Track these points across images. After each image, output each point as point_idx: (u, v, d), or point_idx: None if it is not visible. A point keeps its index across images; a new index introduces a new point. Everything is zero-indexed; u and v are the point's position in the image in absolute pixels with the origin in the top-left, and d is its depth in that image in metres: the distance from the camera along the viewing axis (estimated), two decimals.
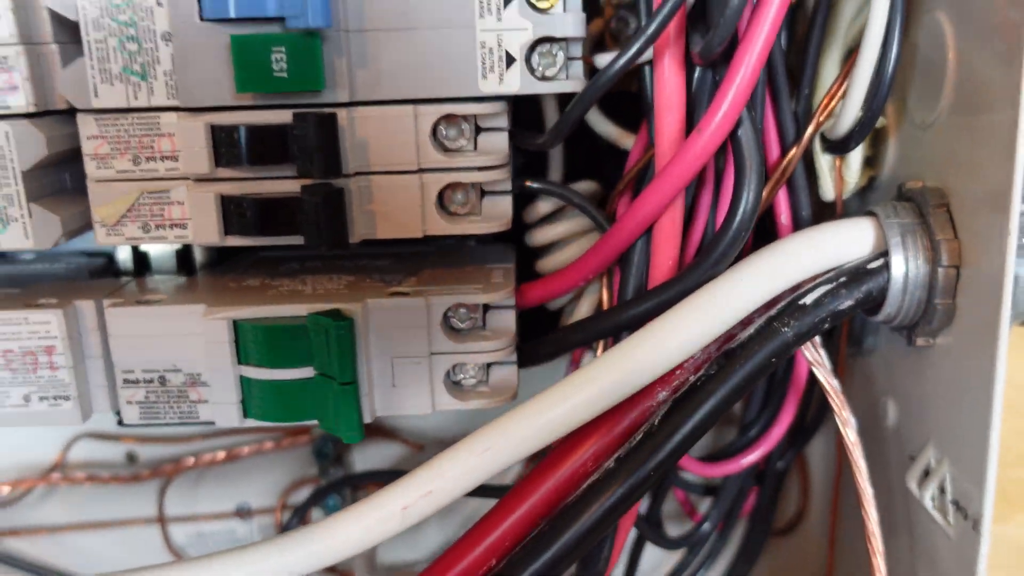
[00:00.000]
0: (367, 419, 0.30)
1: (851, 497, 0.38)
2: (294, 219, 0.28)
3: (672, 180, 0.27)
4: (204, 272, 0.36)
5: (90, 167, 0.29)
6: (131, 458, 0.45)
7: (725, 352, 0.29)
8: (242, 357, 0.30)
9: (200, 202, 0.29)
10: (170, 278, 0.35)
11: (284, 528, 0.42)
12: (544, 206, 0.34)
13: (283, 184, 0.29)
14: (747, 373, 0.28)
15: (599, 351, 0.34)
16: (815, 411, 0.37)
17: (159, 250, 0.37)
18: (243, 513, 0.46)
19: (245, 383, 0.30)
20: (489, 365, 0.32)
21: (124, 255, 0.37)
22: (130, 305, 0.30)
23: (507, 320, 0.32)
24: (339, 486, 0.42)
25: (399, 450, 0.45)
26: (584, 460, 0.29)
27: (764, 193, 0.31)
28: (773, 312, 0.28)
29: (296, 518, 0.42)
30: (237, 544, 0.46)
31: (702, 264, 0.29)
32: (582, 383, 0.28)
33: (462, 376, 0.32)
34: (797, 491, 0.42)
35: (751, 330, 0.28)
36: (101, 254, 0.39)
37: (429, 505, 0.28)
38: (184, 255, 0.37)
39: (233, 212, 0.29)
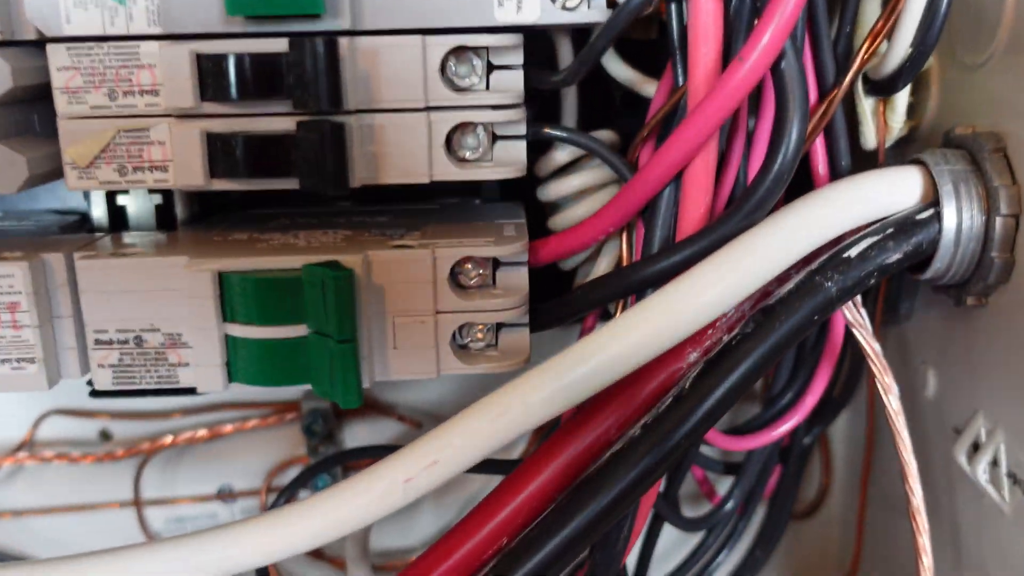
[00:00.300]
0: (366, 383, 0.28)
1: (881, 475, 0.36)
2: (289, 159, 0.26)
3: (707, 117, 0.25)
4: (186, 228, 0.33)
5: (60, 102, 0.26)
6: (105, 436, 0.42)
7: (762, 309, 0.26)
8: (228, 314, 0.27)
9: (183, 140, 0.26)
10: (148, 234, 0.32)
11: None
12: (560, 156, 0.32)
13: (277, 121, 0.26)
14: (787, 331, 0.26)
15: (618, 313, 0.31)
16: (843, 382, 0.35)
17: (137, 205, 0.34)
18: (225, 495, 0.43)
19: (231, 343, 0.27)
20: (499, 327, 0.30)
21: (99, 211, 0.34)
22: (103, 257, 0.27)
23: (519, 278, 0.29)
24: (330, 464, 0.39)
25: (395, 428, 0.42)
26: (606, 427, 0.26)
27: None
28: (814, 266, 0.26)
29: (282, 500, 0.39)
30: None
31: (737, 213, 0.26)
32: (605, 342, 0.25)
33: (470, 338, 0.29)
34: (818, 470, 0.39)
35: (790, 285, 0.26)
36: (74, 212, 0.36)
37: (435, 477, 0.25)
38: (165, 210, 0.34)
39: (220, 151, 0.26)
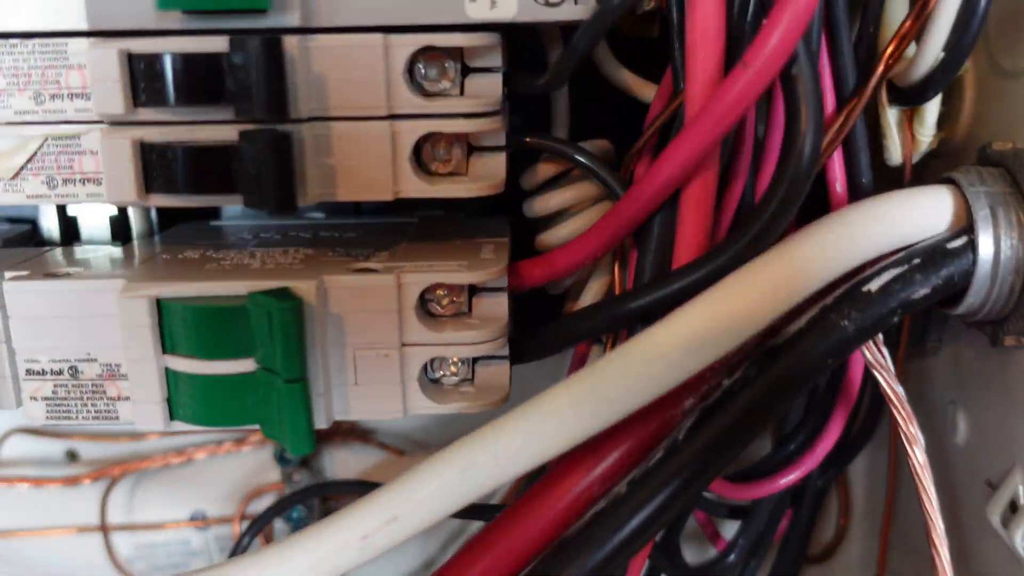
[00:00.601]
0: (321, 424, 0.25)
1: (903, 517, 0.32)
2: (231, 173, 0.23)
3: (705, 131, 0.21)
4: (142, 242, 0.31)
5: None
6: (71, 456, 0.40)
7: (768, 350, 0.23)
8: (167, 345, 0.24)
9: (115, 151, 0.23)
10: (101, 248, 0.29)
11: (238, 542, 0.36)
12: (546, 169, 0.29)
13: (219, 130, 0.23)
14: (795, 376, 0.22)
15: (608, 347, 0.28)
16: (862, 420, 0.32)
17: (91, 216, 0.31)
18: (198, 522, 0.40)
19: (171, 378, 0.24)
20: (475, 360, 0.27)
21: (49, 221, 0.31)
22: (35, 279, 0.25)
23: (497, 306, 0.26)
24: (306, 496, 0.36)
25: (376, 456, 0.39)
26: (589, 483, 0.23)
27: None
28: (829, 301, 0.23)
29: (253, 531, 0.36)
30: (191, 557, 0.41)
31: (741, 239, 0.23)
32: (588, 386, 0.22)
33: (442, 373, 0.26)
34: (836, 511, 0.36)
35: (801, 323, 0.23)
36: (26, 220, 0.33)
37: (394, 534, 0.23)
38: (121, 222, 0.31)
39: (156, 164, 0.23)
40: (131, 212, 0.31)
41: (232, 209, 0.34)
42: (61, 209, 0.31)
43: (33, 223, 0.32)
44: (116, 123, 0.23)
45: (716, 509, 0.32)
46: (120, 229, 0.31)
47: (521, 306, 0.30)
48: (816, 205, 0.25)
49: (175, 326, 0.24)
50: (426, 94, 0.24)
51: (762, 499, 0.31)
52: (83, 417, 0.25)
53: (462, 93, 0.24)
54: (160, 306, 0.24)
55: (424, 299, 0.26)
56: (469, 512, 0.26)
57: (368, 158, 0.24)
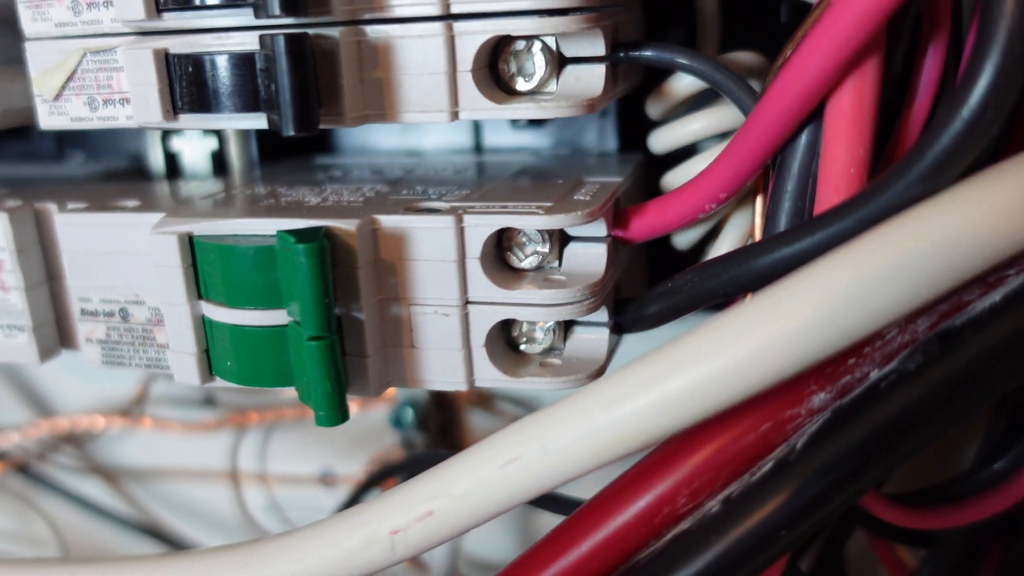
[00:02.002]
0: (371, 391, 0.21)
1: None
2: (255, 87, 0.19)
3: (856, 14, 0.15)
4: (244, 178, 0.28)
5: (25, 18, 0.21)
6: (208, 401, 0.39)
7: (941, 333, 0.16)
8: (203, 290, 0.21)
9: (138, 65, 0.20)
10: (204, 183, 0.27)
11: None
12: (678, 89, 0.23)
13: (248, 37, 0.19)
14: (979, 374, 0.16)
15: None
16: None
17: (192, 150, 0.29)
18: (328, 480, 0.38)
19: (208, 327, 0.21)
20: (568, 326, 0.22)
21: (156, 156, 0.30)
22: (86, 212, 0.23)
23: (595, 259, 0.21)
24: (425, 464, 0.33)
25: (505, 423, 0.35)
26: (672, 493, 0.17)
27: None
28: None
29: (367, 493, 0.33)
30: (320, 514, 0.39)
31: (905, 175, 0.16)
32: (677, 363, 0.16)
33: (525, 339, 0.22)
34: None
35: (996, 296, 0.16)
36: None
37: (429, 533, 0.18)
38: (220, 156, 0.29)
39: (182, 78, 0.20)
40: (232, 146, 0.29)
41: (349, 143, 0.31)
42: (164, 143, 0.29)
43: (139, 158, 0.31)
44: (141, 33, 0.20)
45: (888, 531, 0.25)
46: (222, 164, 0.29)
47: (658, 267, 0.24)
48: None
49: (208, 268, 0.21)
50: None
51: (953, 529, 0.23)
52: (136, 364, 0.23)
53: None
54: (192, 244, 0.21)
55: (502, 248, 0.21)
56: (537, 501, 0.22)
57: (421, 68, 0.19)
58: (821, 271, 0.16)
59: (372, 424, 0.37)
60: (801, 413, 0.17)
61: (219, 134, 0.29)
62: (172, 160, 0.29)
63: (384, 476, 0.32)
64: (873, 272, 0.15)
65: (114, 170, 0.29)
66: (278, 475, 0.39)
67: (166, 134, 0.29)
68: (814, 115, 0.17)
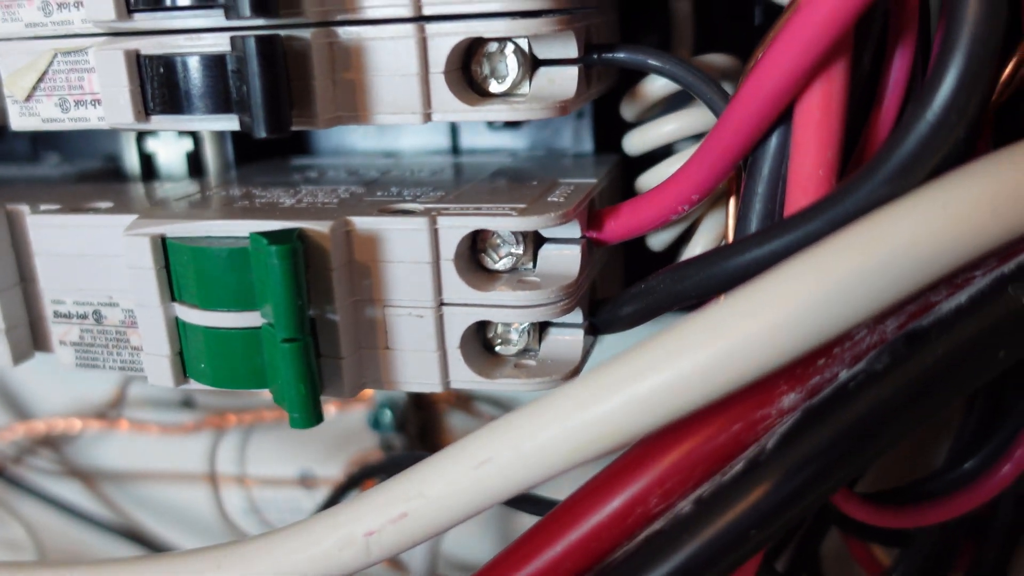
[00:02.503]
0: (346, 393, 0.21)
1: None
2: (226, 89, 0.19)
3: (823, 14, 0.15)
4: (219, 179, 0.28)
5: None
6: (187, 403, 0.39)
7: (909, 334, 0.16)
8: (177, 292, 0.21)
9: (109, 65, 0.20)
10: (179, 185, 0.27)
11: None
12: (651, 91, 0.23)
13: (221, 39, 0.19)
14: (946, 374, 0.16)
15: None
16: None
17: (167, 151, 0.29)
18: (308, 481, 0.38)
19: (182, 329, 0.21)
20: (543, 327, 0.22)
21: (131, 157, 0.29)
22: (59, 213, 0.22)
23: (566, 261, 0.21)
24: (403, 466, 0.33)
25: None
26: (644, 491, 0.17)
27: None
28: (1008, 268, 0.16)
29: (345, 495, 0.33)
30: (300, 515, 0.39)
31: (873, 177, 0.16)
32: (649, 364, 0.16)
33: (500, 340, 0.22)
34: None
35: (961, 298, 0.16)
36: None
37: (405, 534, 0.18)
38: (196, 157, 0.29)
39: (153, 79, 0.20)
40: (208, 147, 0.29)
41: (325, 144, 0.31)
42: (139, 144, 0.29)
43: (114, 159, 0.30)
44: (112, 34, 0.20)
45: (862, 530, 0.25)
46: (197, 165, 0.29)
47: (634, 268, 0.25)
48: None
49: (181, 269, 0.21)
50: None
51: (925, 528, 0.23)
52: (110, 366, 0.23)
53: None
54: (165, 246, 0.21)
55: (476, 249, 0.21)
56: (513, 502, 0.22)
57: (393, 72, 0.19)
58: (790, 272, 0.16)
59: (351, 426, 0.37)
60: (772, 413, 0.17)
61: (194, 135, 0.28)
62: (147, 161, 0.29)
63: (363, 477, 0.32)
64: (842, 273, 0.15)
65: (89, 171, 0.29)
66: (257, 477, 0.39)
67: (141, 135, 0.29)
68: (784, 117, 0.17)
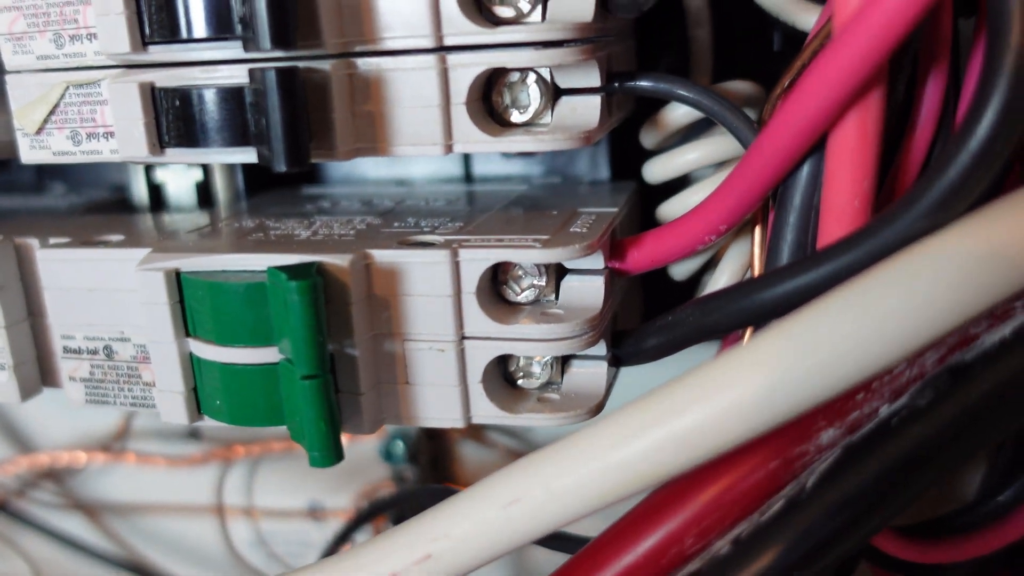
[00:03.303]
0: (365, 429, 0.20)
1: None
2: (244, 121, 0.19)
3: (865, 39, 0.15)
4: (230, 210, 0.27)
5: (5, 51, 0.21)
6: (194, 434, 0.38)
7: (952, 368, 0.16)
8: (191, 327, 0.20)
9: (123, 98, 0.19)
10: (189, 216, 0.27)
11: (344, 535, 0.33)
12: (673, 120, 0.22)
13: (236, 71, 0.19)
14: (991, 409, 0.15)
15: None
16: None
17: (176, 182, 0.29)
18: (317, 513, 0.38)
19: (196, 365, 0.21)
20: (566, 360, 0.21)
21: (140, 188, 0.29)
22: (67, 248, 0.22)
23: (589, 292, 0.20)
24: (415, 499, 0.32)
25: (498, 454, 0.35)
26: (680, 531, 0.17)
27: None
28: None
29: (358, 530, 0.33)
30: (307, 549, 0.38)
31: (912, 208, 0.16)
32: (685, 401, 0.16)
33: (522, 374, 0.21)
34: None
35: (1005, 330, 0.16)
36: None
37: None
38: (205, 188, 0.28)
39: (168, 112, 0.19)
40: (218, 177, 0.28)
41: (336, 172, 0.31)
42: (148, 174, 0.29)
43: (122, 189, 0.30)
44: (126, 66, 0.20)
45: (893, 563, 0.24)
46: (207, 195, 0.28)
47: (653, 299, 0.24)
48: None
49: (196, 304, 0.20)
50: (494, 20, 0.19)
51: (959, 563, 0.23)
52: (120, 403, 0.23)
53: (544, 17, 0.19)
54: (180, 280, 0.20)
55: (498, 281, 0.20)
56: (547, 541, 0.21)
57: (414, 102, 0.19)
58: (831, 306, 0.15)
59: (361, 457, 0.36)
60: (810, 450, 0.16)
61: (204, 166, 0.28)
62: (156, 192, 0.29)
63: (374, 512, 0.32)
64: (884, 307, 0.15)
65: (96, 202, 0.29)
66: (265, 509, 0.38)
67: (149, 166, 0.28)
68: (816, 147, 0.17)
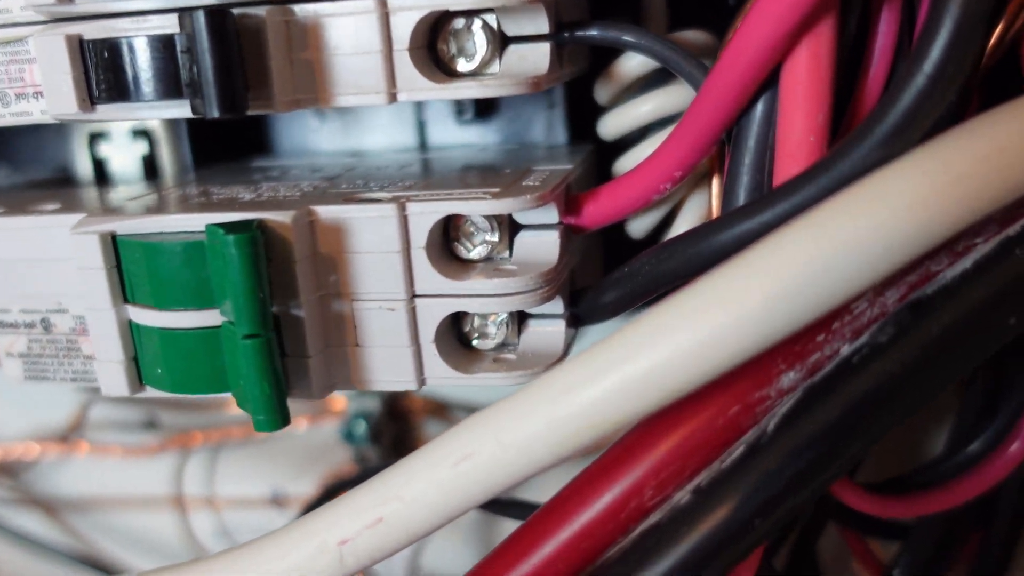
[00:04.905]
0: (314, 394, 0.19)
1: None
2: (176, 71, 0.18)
3: None
4: (176, 180, 0.26)
5: None
6: (151, 425, 0.37)
7: (912, 304, 0.15)
8: (129, 293, 0.20)
9: (50, 52, 0.19)
10: (133, 188, 0.26)
11: None
12: (626, 70, 0.22)
13: (168, 20, 0.18)
14: (953, 343, 0.15)
15: None
16: None
17: (122, 155, 0.28)
18: (280, 500, 0.37)
19: (136, 332, 0.20)
20: (522, 318, 0.21)
21: (84, 163, 0.28)
22: (2, 216, 0.21)
23: (547, 247, 0.20)
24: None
25: None
26: (638, 484, 0.16)
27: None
28: (1013, 230, 0.15)
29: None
30: None
31: (867, 139, 0.15)
32: (637, 344, 0.15)
33: (477, 334, 0.21)
34: None
35: (966, 264, 0.15)
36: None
37: (382, 540, 0.17)
38: (151, 162, 0.27)
39: (98, 65, 0.18)
40: (164, 149, 0.27)
41: (288, 144, 0.30)
42: (91, 149, 0.28)
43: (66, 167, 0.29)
44: (54, 21, 0.19)
45: (861, 523, 0.24)
46: (153, 169, 0.28)
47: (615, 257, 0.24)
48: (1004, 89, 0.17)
49: (133, 268, 0.19)
50: None
51: (929, 516, 0.22)
52: (61, 378, 0.22)
53: None
54: (116, 244, 0.19)
55: (449, 238, 0.20)
56: (498, 507, 0.21)
57: (352, 49, 0.18)
58: (782, 241, 0.15)
59: (323, 440, 0.35)
60: (771, 394, 0.16)
61: (149, 138, 0.27)
62: (100, 167, 0.28)
63: (337, 491, 0.31)
64: (837, 240, 0.14)
65: (38, 180, 0.28)
66: (227, 498, 0.37)
67: (93, 140, 0.27)
68: (768, 83, 0.17)
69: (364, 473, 0.31)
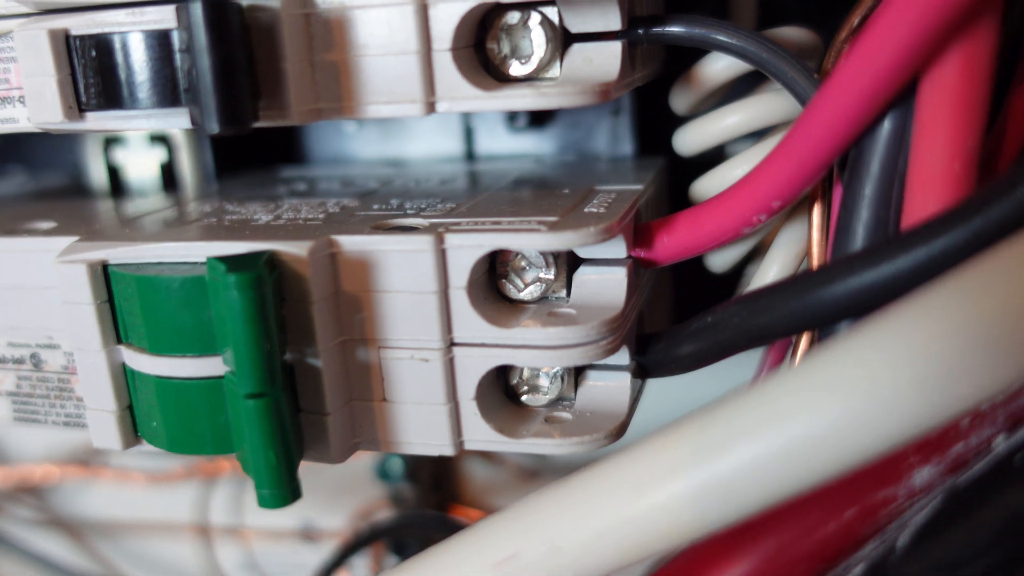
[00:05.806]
0: (332, 458, 0.16)
1: None
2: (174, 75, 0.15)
3: None
4: (197, 193, 0.24)
5: None
6: None
7: None
8: (122, 332, 0.17)
9: (30, 50, 0.16)
10: (148, 201, 0.23)
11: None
12: (712, 74, 0.18)
13: (164, 12, 0.15)
14: None
15: (799, 355, 0.17)
16: None
17: (138, 163, 0.25)
18: (310, 534, 0.34)
19: (130, 378, 0.17)
20: (580, 371, 0.17)
21: (98, 170, 0.26)
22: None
23: (611, 287, 0.17)
24: (418, 527, 0.29)
25: (507, 472, 0.31)
26: None
27: None
28: None
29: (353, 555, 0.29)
30: (299, 571, 0.34)
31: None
32: (733, 431, 0.12)
33: (526, 388, 0.17)
34: None
35: None
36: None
37: None
38: (170, 169, 0.25)
39: (87, 67, 0.16)
40: (183, 156, 0.25)
41: (322, 152, 0.27)
42: (106, 155, 0.25)
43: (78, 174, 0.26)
44: (40, 13, 0.16)
45: None
46: (172, 178, 0.25)
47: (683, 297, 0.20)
48: None
49: (126, 304, 0.16)
50: None
51: None
52: (52, 421, 0.19)
53: None
54: (108, 275, 0.17)
55: (496, 274, 0.17)
56: None
57: (384, 49, 0.15)
58: (928, 305, 0.11)
59: (356, 473, 0.32)
60: (899, 495, 0.12)
61: (167, 143, 0.25)
62: (116, 176, 0.25)
63: (371, 538, 0.28)
64: (995, 310, 0.11)
65: (50, 188, 0.25)
66: (254, 529, 0.34)
67: (108, 144, 0.25)
68: (901, 97, 0.13)
69: (399, 519, 0.28)
